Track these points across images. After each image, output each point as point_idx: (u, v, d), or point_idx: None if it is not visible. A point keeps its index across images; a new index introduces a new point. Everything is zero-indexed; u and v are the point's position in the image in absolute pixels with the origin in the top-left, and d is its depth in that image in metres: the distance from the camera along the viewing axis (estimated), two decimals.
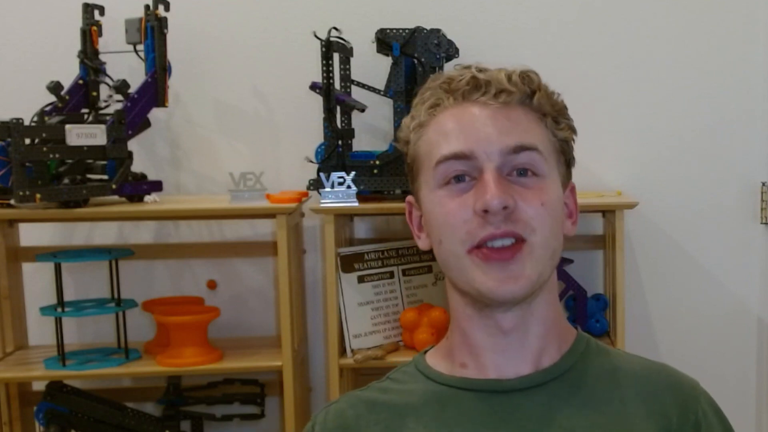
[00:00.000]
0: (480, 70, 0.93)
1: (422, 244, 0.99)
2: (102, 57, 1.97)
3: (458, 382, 0.96)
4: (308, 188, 1.95)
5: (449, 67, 1.95)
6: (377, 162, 1.92)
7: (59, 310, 1.85)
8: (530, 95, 0.93)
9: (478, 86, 0.92)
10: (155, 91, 1.92)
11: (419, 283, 2.03)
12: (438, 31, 1.91)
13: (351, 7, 2.08)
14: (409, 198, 1.02)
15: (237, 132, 2.14)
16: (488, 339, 0.95)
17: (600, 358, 0.99)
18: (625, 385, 0.96)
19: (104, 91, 1.96)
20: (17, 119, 1.68)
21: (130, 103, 1.87)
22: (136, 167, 1.96)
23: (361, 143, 2.09)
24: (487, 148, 0.90)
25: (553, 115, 0.95)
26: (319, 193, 1.89)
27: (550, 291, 0.97)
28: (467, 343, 0.97)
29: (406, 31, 1.91)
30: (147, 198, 1.92)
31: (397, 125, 1.92)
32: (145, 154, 2.10)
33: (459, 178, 0.91)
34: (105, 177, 1.88)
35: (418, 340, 1.89)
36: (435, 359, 1.01)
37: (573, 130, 0.98)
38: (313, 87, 1.94)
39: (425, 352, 1.04)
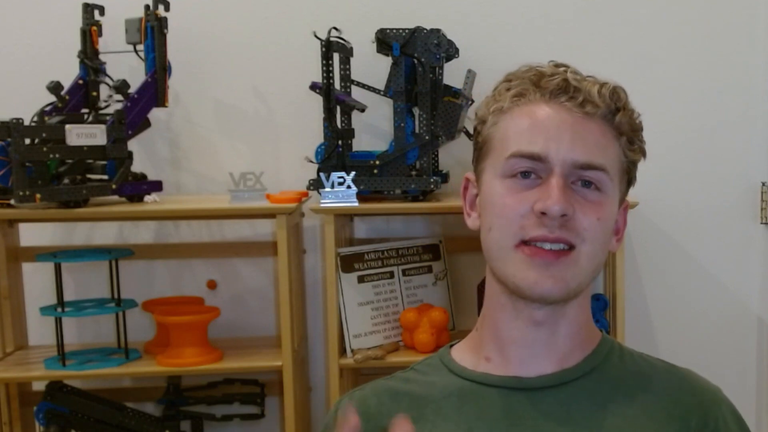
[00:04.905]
0: (574, 74, 0.95)
1: (471, 223, 1.00)
2: (102, 57, 1.97)
3: (480, 377, 0.97)
4: (308, 188, 1.95)
5: (449, 67, 1.96)
6: (377, 162, 1.92)
7: (59, 310, 1.85)
8: (614, 112, 0.95)
9: (567, 89, 0.93)
10: (155, 91, 1.92)
11: (419, 283, 2.03)
12: (438, 31, 1.91)
13: (351, 7, 2.08)
14: (469, 175, 1.02)
15: (237, 132, 2.14)
16: (517, 331, 0.96)
17: (623, 361, 1.00)
18: (646, 388, 0.96)
19: (104, 91, 1.96)
20: (17, 119, 1.68)
21: (130, 103, 1.87)
22: (136, 167, 1.96)
23: (361, 143, 2.09)
24: (560, 155, 0.91)
25: (629, 135, 0.96)
26: (319, 193, 1.89)
27: (584, 296, 0.98)
28: (496, 335, 0.97)
29: (406, 31, 1.90)
30: (147, 198, 1.92)
31: (397, 125, 1.92)
32: (145, 154, 2.10)
33: (525, 174, 0.92)
34: (105, 177, 1.88)
35: (418, 340, 1.89)
36: (460, 352, 1.03)
37: (643, 153, 0.99)
38: (313, 87, 1.94)
39: (451, 345, 1.05)
